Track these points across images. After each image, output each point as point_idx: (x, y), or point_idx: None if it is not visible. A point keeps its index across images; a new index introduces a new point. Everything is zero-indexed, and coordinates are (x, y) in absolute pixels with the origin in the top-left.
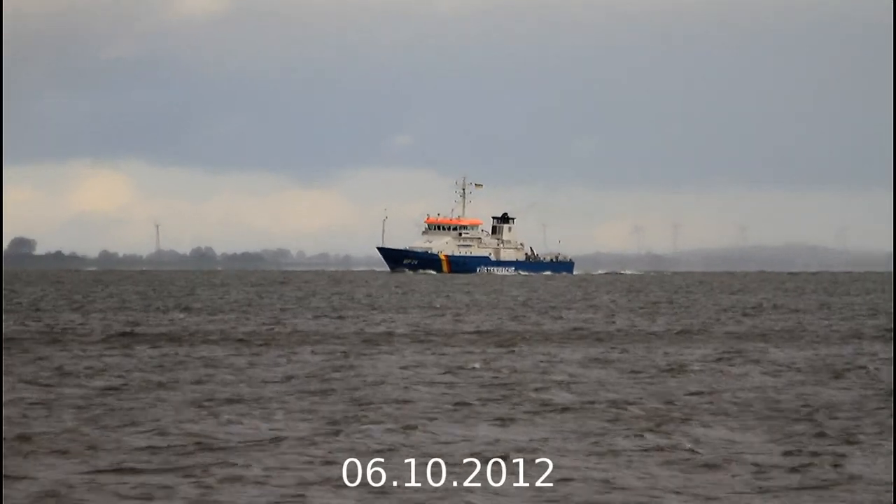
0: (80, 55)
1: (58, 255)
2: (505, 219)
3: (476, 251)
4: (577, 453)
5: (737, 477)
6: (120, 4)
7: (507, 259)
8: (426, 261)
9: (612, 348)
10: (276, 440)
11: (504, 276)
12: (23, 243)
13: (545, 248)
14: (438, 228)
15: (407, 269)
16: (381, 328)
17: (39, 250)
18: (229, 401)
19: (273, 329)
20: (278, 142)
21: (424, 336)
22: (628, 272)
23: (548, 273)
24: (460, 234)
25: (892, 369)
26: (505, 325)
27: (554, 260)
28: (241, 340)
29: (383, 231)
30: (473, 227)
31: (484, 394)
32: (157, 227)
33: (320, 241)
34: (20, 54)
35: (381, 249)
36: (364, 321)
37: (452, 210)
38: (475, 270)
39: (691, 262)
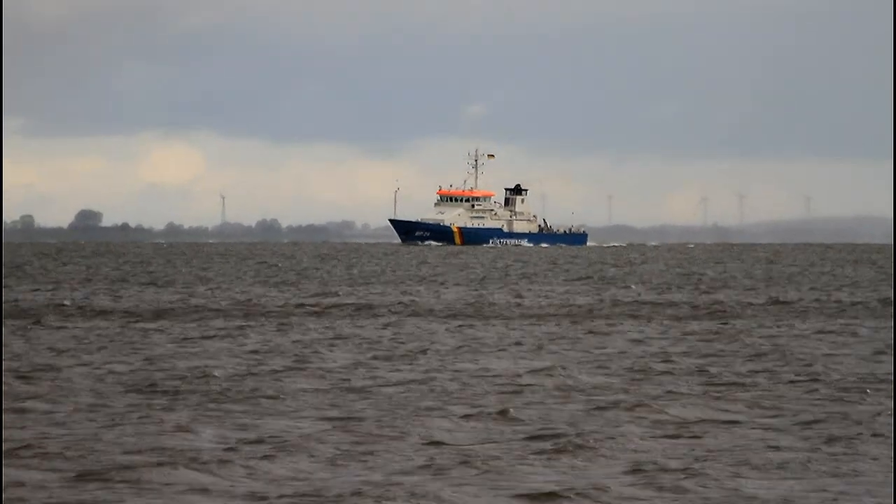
0: (155, 27)
1: (124, 227)
2: (518, 190)
3: (489, 223)
4: None
5: None
6: None
7: (520, 231)
8: (438, 233)
9: None
10: None
11: (536, 250)
12: (89, 215)
13: (609, 220)
14: (451, 200)
15: (418, 242)
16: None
17: (106, 222)
18: None
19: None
20: (348, 112)
21: None
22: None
23: (562, 245)
24: (473, 206)
25: (893, 357)
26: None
27: (568, 232)
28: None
29: (395, 202)
30: (486, 198)
31: None
32: (223, 198)
33: (387, 212)
34: (97, 26)
35: (392, 221)
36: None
37: (465, 181)
38: (488, 242)
39: (756, 235)
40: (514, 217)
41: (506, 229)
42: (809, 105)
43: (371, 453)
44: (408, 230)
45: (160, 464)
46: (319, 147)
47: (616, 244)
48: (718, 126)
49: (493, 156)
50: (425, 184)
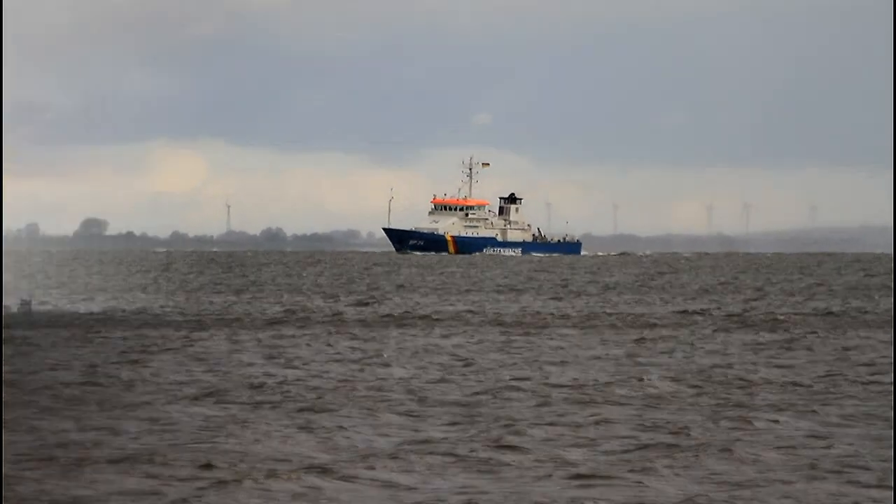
0: (160, 35)
1: (129, 236)
2: (512, 199)
3: (483, 232)
4: None
5: None
6: None
7: (514, 240)
8: (432, 241)
9: None
10: None
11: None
12: (94, 223)
13: (614, 229)
14: (445, 209)
15: (412, 251)
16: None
17: (111, 231)
18: None
19: None
20: (354, 121)
21: None
22: (638, 253)
23: (555, 254)
24: (467, 215)
25: (893, 363)
26: None
27: (562, 241)
28: None
29: (389, 211)
30: (480, 207)
31: None
32: (229, 207)
33: (393, 221)
34: (101, 34)
35: (386, 230)
36: None
37: (459, 190)
38: (482, 251)
39: (762, 244)
40: (508, 226)
41: (500, 238)
42: (815, 113)
43: (477, 462)
44: (401, 239)
45: (268, 471)
46: (322, 155)
47: (613, 253)
48: (723, 135)
49: (487, 164)
50: (429, 193)
